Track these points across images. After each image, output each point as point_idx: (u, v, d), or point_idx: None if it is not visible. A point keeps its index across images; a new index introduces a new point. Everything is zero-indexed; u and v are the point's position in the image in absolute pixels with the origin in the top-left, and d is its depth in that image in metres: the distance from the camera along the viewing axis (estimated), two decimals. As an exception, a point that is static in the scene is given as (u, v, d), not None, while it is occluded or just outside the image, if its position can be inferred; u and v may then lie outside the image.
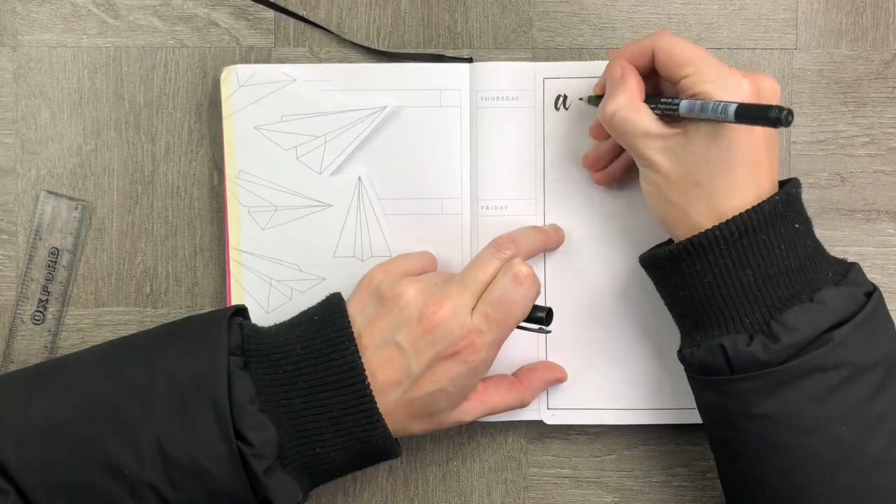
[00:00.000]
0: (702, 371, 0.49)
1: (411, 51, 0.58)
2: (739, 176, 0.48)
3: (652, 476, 0.59)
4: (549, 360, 0.58)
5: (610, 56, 0.53)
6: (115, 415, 0.48)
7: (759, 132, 0.48)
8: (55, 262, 0.58)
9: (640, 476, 0.59)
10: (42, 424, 0.48)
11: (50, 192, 0.58)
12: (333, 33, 0.59)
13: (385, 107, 0.57)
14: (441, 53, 0.58)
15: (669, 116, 0.50)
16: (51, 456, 0.47)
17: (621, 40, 0.58)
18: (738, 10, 0.58)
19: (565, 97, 0.57)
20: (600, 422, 0.58)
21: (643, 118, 0.50)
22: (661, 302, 0.56)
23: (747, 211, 0.47)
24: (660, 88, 0.53)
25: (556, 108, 0.57)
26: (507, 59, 0.58)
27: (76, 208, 0.58)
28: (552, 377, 0.57)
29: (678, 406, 0.58)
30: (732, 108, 0.45)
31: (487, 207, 0.57)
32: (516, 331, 0.52)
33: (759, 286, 0.48)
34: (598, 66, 0.57)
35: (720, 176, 0.48)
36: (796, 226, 0.49)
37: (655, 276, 0.52)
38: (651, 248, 0.53)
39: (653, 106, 0.50)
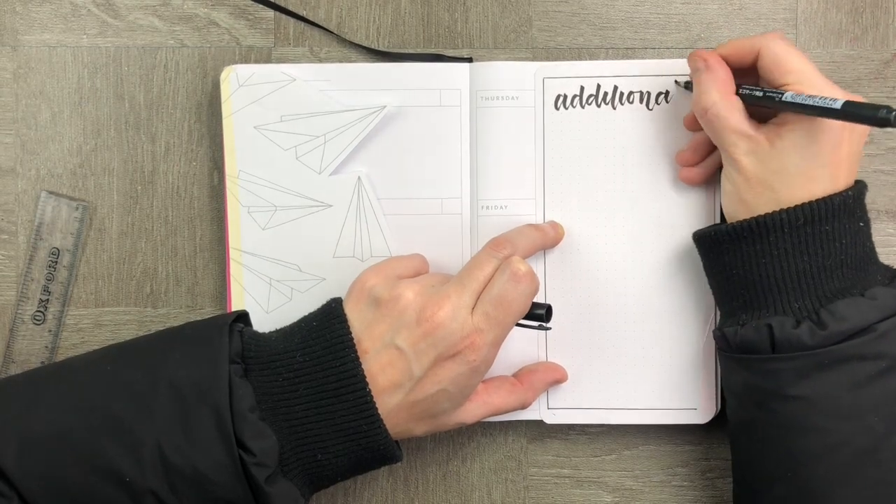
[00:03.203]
0: (741, 349, 0.50)
1: (411, 51, 0.58)
2: (812, 186, 0.49)
3: (652, 476, 0.59)
4: (549, 360, 0.58)
5: (689, 58, 0.53)
6: (116, 422, 0.48)
7: (847, 149, 0.49)
8: (56, 262, 0.58)
9: (640, 476, 0.59)
10: (43, 431, 0.48)
11: (50, 193, 0.58)
12: (333, 33, 0.59)
13: (384, 106, 0.57)
14: (441, 53, 0.58)
15: (765, 105, 0.50)
16: (52, 463, 0.47)
17: (621, 40, 0.58)
18: (738, 10, 0.58)
19: (565, 97, 0.57)
20: (600, 422, 0.58)
21: (736, 115, 0.50)
22: (662, 301, 0.57)
23: (817, 200, 0.48)
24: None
25: (556, 108, 0.57)
26: (507, 59, 0.58)
27: (77, 208, 0.58)
28: (553, 378, 0.57)
29: (678, 406, 0.58)
30: (840, 102, 0.46)
31: (487, 207, 0.57)
32: (517, 331, 0.52)
33: (814, 274, 0.49)
34: (598, 66, 0.57)
35: (794, 184, 0.49)
36: (861, 224, 0.50)
37: (710, 254, 0.53)
38: (709, 226, 0.54)
39: (751, 90, 0.50)
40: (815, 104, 0.47)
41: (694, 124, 0.55)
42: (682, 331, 0.57)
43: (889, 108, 0.44)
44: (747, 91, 0.51)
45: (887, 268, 0.51)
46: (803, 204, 0.48)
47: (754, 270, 0.50)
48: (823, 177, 0.49)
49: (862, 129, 0.50)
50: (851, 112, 0.45)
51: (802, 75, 0.49)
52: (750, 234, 0.50)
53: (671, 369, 0.57)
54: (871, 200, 0.58)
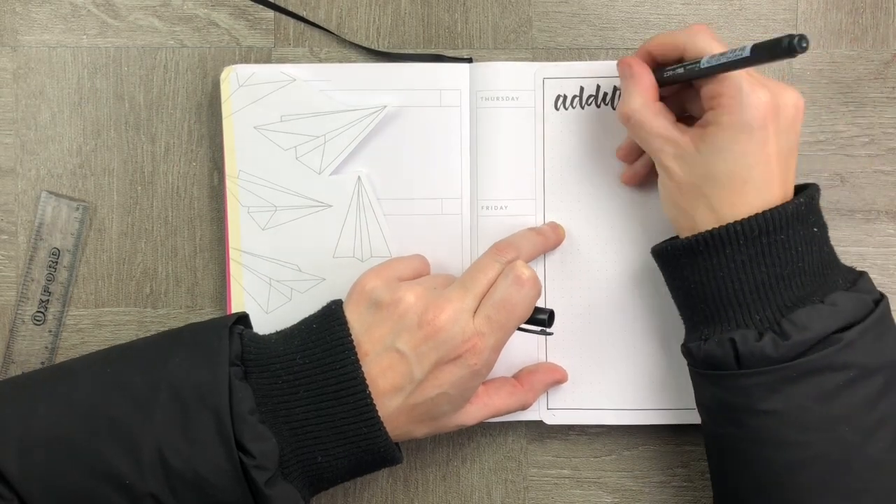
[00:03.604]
0: (707, 365, 0.50)
1: (411, 51, 0.58)
2: (746, 190, 0.48)
3: (652, 476, 0.59)
4: (549, 360, 0.58)
5: (617, 65, 0.53)
6: (116, 424, 0.47)
7: (775, 147, 0.48)
8: (56, 263, 0.58)
9: (640, 476, 0.59)
10: (43, 434, 0.48)
11: (51, 193, 0.58)
12: (333, 33, 0.59)
13: (385, 106, 0.57)
14: (441, 53, 0.58)
15: (688, 78, 0.50)
16: (52, 465, 0.47)
17: (621, 40, 0.58)
18: (738, 10, 0.58)
19: (565, 97, 0.57)
20: (600, 422, 0.58)
21: (659, 120, 0.50)
22: (662, 301, 0.57)
23: (770, 210, 0.48)
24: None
25: (556, 108, 0.57)
26: (507, 59, 0.58)
27: (77, 209, 0.58)
28: (553, 378, 0.57)
29: (678, 406, 0.58)
30: (748, 47, 0.45)
31: (487, 207, 0.57)
32: (516, 332, 0.52)
33: (772, 284, 0.48)
34: (598, 67, 0.57)
35: (726, 189, 0.48)
36: (815, 229, 0.49)
37: (668, 268, 0.52)
38: (665, 240, 0.53)
39: (673, 69, 0.50)
40: (728, 59, 0.46)
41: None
42: (683, 331, 0.57)
43: (793, 35, 0.42)
44: (670, 72, 0.51)
45: (850, 270, 0.51)
46: (756, 215, 0.47)
47: (712, 284, 0.49)
48: (754, 179, 0.48)
49: (787, 126, 0.49)
50: (761, 52, 0.44)
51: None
52: (705, 248, 0.49)
53: (671, 369, 0.57)
54: (872, 200, 0.58)
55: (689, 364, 0.52)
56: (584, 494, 0.59)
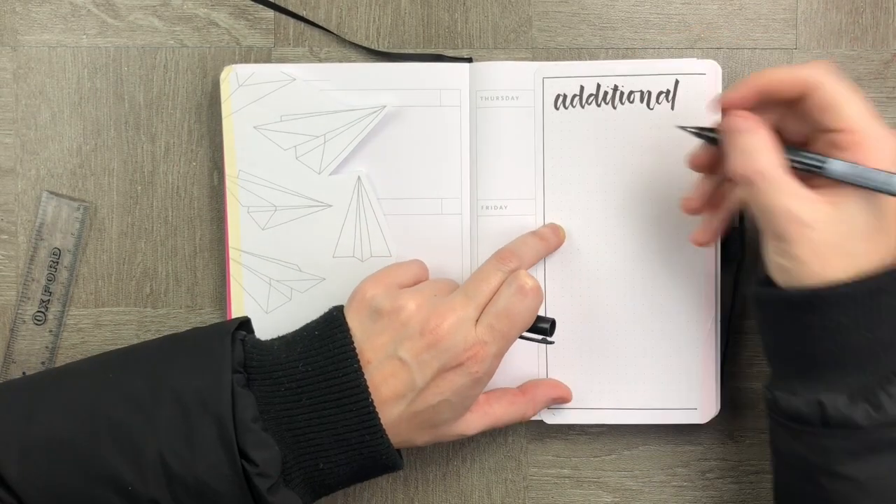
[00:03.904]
0: (791, 418, 0.47)
1: (411, 51, 0.58)
2: (879, 244, 0.45)
3: (652, 476, 0.59)
4: (549, 359, 0.58)
5: (753, 77, 0.47)
6: (118, 430, 0.47)
7: None
8: (57, 263, 0.58)
9: (640, 476, 0.59)
10: (44, 438, 0.47)
11: (52, 193, 0.58)
12: (333, 33, 0.59)
13: (385, 106, 0.57)
14: (441, 53, 0.58)
15: (805, 171, 0.45)
16: (53, 470, 0.47)
17: (621, 40, 0.58)
18: (738, 10, 0.58)
19: (565, 96, 0.57)
20: (600, 422, 0.58)
21: (790, 199, 0.45)
22: (662, 301, 0.56)
23: (884, 272, 0.45)
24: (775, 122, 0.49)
25: (557, 108, 0.57)
26: (506, 59, 0.58)
27: (78, 209, 0.58)
28: (556, 394, 0.57)
29: (678, 406, 0.58)
30: (895, 179, 0.42)
31: (487, 207, 0.57)
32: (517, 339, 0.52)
33: (874, 351, 0.45)
34: (598, 66, 0.57)
35: (862, 244, 0.45)
36: None
37: (763, 314, 0.49)
38: (763, 285, 0.48)
39: (791, 158, 0.46)
40: (870, 186, 0.43)
41: (703, 165, 0.51)
42: (683, 330, 0.57)
43: None
44: (788, 157, 0.46)
45: None
46: (869, 277, 0.44)
47: (809, 343, 0.46)
48: (883, 243, 0.45)
49: None
50: None
51: (859, 126, 0.45)
52: (808, 306, 0.45)
53: (671, 369, 0.57)
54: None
55: (769, 409, 0.50)
56: (584, 494, 0.59)
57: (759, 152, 0.46)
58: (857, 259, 0.45)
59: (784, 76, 0.47)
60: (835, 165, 0.44)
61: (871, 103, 0.59)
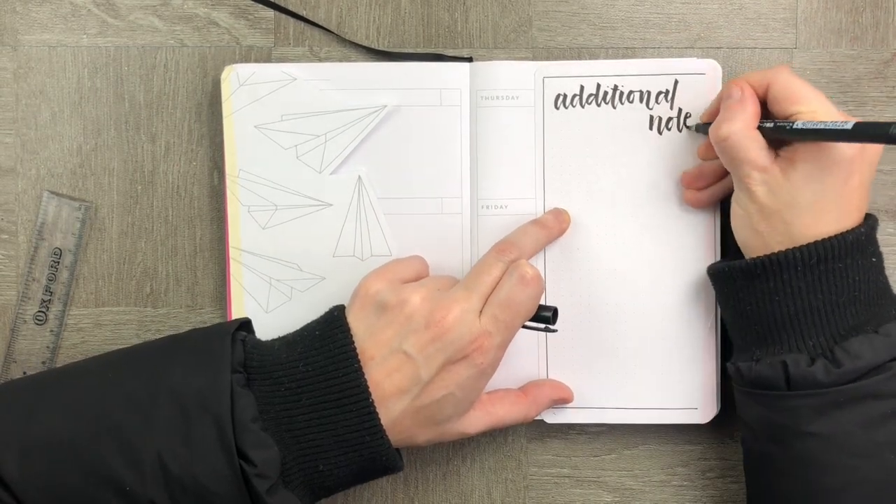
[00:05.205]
0: (755, 385, 0.50)
1: (411, 50, 0.59)
2: (826, 218, 0.49)
3: (652, 476, 0.59)
4: (549, 358, 0.58)
5: (727, 85, 0.53)
6: (117, 430, 0.47)
7: (858, 179, 0.49)
8: (57, 263, 0.58)
9: (640, 476, 0.59)
10: (44, 438, 0.47)
11: (52, 193, 0.58)
12: (333, 33, 0.59)
13: (385, 106, 0.57)
14: (441, 53, 0.58)
15: (777, 135, 0.50)
16: (53, 471, 0.47)
17: (621, 40, 0.58)
18: (738, 9, 0.58)
19: (565, 96, 0.57)
20: (600, 421, 0.58)
21: (754, 147, 0.50)
22: (662, 299, 0.57)
23: (830, 238, 0.48)
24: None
25: (557, 108, 0.57)
26: (507, 59, 0.58)
27: (79, 208, 0.58)
28: (559, 395, 0.57)
29: (678, 406, 0.58)
30: (850, 123, 0.45)
31: (487, 207, 0.57)
32: (517, 333, 0.52)
33: (827, 312, 0.49)
34: (598, 66, 0.57)
35: (806, 216, 0.49)
36: (873, 259, 0.50)
37: (723, 288, 0.53)
38: (722, 260, 0.54)
39: (765, 124, 0.50)
40: (827, 128, 0.47)
41: (708, 153, 0.55)
42: (683, 330, 0.57)
43: None
44: (759, 125, 0.51)
45: None
46: (816, 242, 0.48)
47: (768, 307, 0.50)
48: (834, 210, 0.49)
49: (871, 160, 0.50)
50: (863, 132, 0.45)
51: (812, 105, 0.49)
52: (763, 272, 0.50)
53: (671, 369, 0.57)
54: (872, 200, 0.58)
55: (735, 382, 0.53)
56: (584, 493, 0.59)
57: (736, 117, 0.50)
58: (804, 221, 0.49)
59: (753, 76, 0.52)
60: (796, 123, 0.49)
61: (871, 103, 0.59)
